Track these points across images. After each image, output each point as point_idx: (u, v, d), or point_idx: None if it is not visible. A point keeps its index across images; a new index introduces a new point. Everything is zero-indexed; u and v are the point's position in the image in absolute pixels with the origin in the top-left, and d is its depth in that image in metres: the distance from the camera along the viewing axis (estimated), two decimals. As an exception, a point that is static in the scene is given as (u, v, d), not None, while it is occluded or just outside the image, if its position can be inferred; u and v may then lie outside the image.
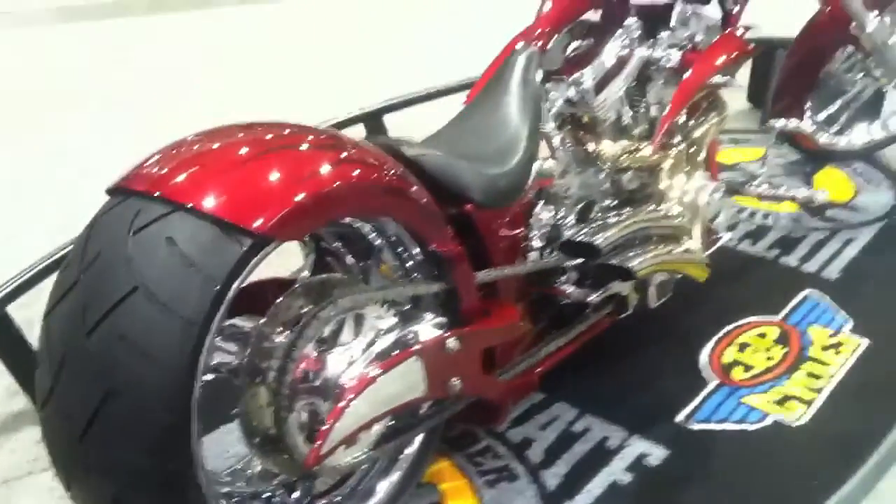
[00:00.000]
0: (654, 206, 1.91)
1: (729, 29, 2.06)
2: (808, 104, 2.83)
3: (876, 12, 2.55)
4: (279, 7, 4.78)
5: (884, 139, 3.00)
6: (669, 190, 1.93)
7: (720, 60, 1.96)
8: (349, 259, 1.50)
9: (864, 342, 2.11)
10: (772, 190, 2.24)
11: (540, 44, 1.83)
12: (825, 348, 2.10)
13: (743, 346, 2.11)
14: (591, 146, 1.89)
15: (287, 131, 1.33)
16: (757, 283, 2.38)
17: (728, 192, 2.17)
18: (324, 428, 1.25)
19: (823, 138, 2.91)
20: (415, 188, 1.40)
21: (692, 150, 2.00)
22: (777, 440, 1.84)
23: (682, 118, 2.01)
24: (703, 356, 2.08)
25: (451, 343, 1.41)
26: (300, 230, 1.26)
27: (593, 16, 1.97)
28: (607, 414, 1.90)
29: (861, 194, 2.83)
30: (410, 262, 1.47)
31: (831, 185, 2.88)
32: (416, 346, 1.35)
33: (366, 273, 1.50)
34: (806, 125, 2.32)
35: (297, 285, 1.34)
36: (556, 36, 1.87)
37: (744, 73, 3.41)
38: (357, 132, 2.73)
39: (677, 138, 1.99)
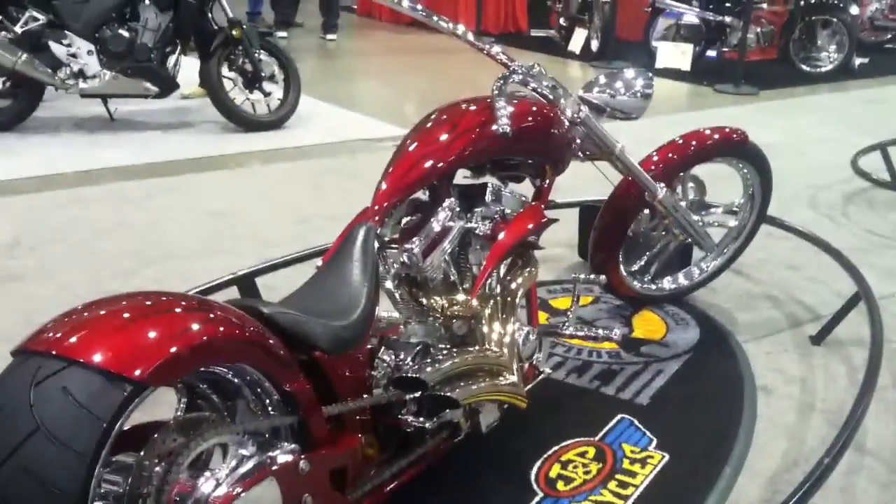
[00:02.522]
0: (478, 347, 2.29)
1: (533, 202, 2.53)
2: (621, 258, 3.33)
3: (662, 184, 3.09)
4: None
5: (688, 286, 3.52)
6: (490, 333, 2.32)
7: (523, 228, 2.41)
8: (217, 399, 1.81)
9: (666, 456, 2.52)
10: (578, 331, 2.66)
11: (377, 218, 2.23)
12: (633, 462, 2.49)
13: (566, 463, 2.48)
14: (424, 300, 2.29)
15: (163, 298, 1.66)
16: (580, 409, 2.78)
17: (544, 333, 2.59)
18: None
19: (637, 286, 3.42)
20: (270, 340, 1.74)
21: (508, 299, 2.42)
22: (592, 540, 2.20)
23: (499, 274, 2.43)
24: (533, 472, 2.44)
25: (302, 465, 1.73)
26: (172, 376, 1.57)
27: (422, 195, 2.41)
28: (446, 526, 2.22)
29: (671, 332, 3.30)
30: (268, 400, 1.80)
31: (646, 325, 3.37)
32: (272, 469, 1.66)
33: (232, 410, 1.81)
34: (601, 279, 2.80)
35: (170, 423, 1.64)
36: (391, 212, 2.28)
37: (574, 232, 3.95)
38: (231, 293, 3.07)
39: (495, 290, 2.40)
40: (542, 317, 3.40)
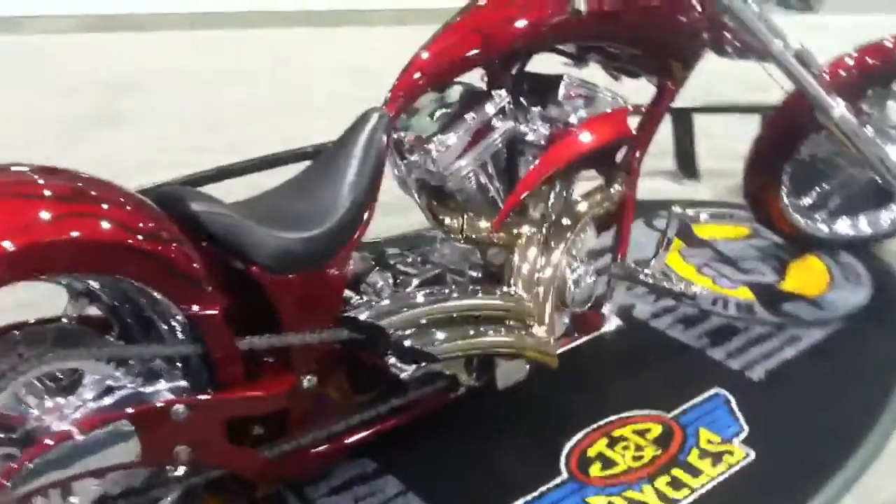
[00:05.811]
0: (495, 286, 1.81)
1: (609, 109, 1.94)
2: (786, 187, 2.65)
3: (841, 100, 2.34)
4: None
5: (871, 234, 2.76)
6: (521, 268, 1.82)
7: (590, 139, 1.85)
8: (120, 311, 1.49)
9: (750, 454, 1.95)
10: (658, 280, 2.07)
11: (401, 101, 1.77)
12: (704, 456, 1.94)
13: (616, 441, 1.98)
14: (446, 217, 1.82)
15: (45, 181, 1.33)
16: (667, 372, 2.23)
17: (617, 276, 2.05)
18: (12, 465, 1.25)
19: (803, 223, 2.73)
20: (169, 247, 1.38)
21: (564, 226, 1.89)
22: (603, 551, 1.72)
23: (557, 194, 1.91)
24: (568, 446, 1.96)
25: (179, 409, 1.38)
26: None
27: (482, 81, 1.92)
28: (433, 495, 1.81)
29: (834, 290, 2.60)
30: (165, 322, 1.45)
31: (804, 275, 2.69)
32: (130, 410, 1.33)
33: (127, 328, 1.49)
34: (700, 216, 2.17)
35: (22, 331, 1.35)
36: (420, 96, 1.81)
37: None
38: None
39: (544, 215, 1.89)
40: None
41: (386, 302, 1.64)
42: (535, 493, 1.83)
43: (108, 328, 1.49)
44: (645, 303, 2.48)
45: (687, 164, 3.34)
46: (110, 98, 3.76)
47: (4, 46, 4.67)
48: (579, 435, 1.99)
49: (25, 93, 3.98)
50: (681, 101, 3.17)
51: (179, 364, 1.47)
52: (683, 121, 3.34)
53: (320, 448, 1.66)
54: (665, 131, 3.30)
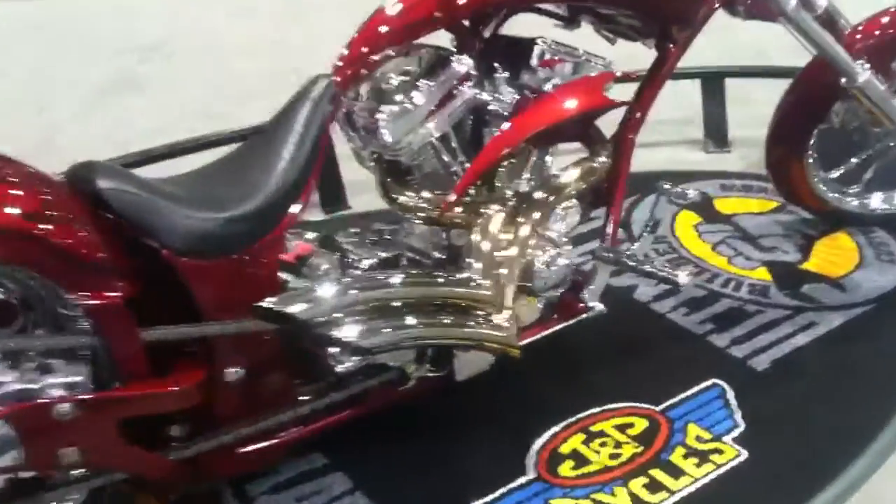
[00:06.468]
0: (446, 271, 1.66)
1: (587, 75, 1.76)
2: (813, 157, 2.42)
3: (867, 65, 2.10)
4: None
5: (904, 209, 2.52)
6: (479, 250, 1.66)
7: (557, 110, 1.67)
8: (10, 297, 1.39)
9: (742, 454, 1.77)
10: (641, 263, 1.88)
11: (353, 68, 1.62)
12: (689, 454, 1.77)
13: (593, 436, 1.82)
14: (400, 195, 1.68)
15: None
16: (660, 361, 2.05)
17: (601, 259, 1.87)
18: None
19: (831, 197, 2.49)
20: (59, 229, 1.27)
21: (529, 203, 1.72)
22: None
23: (528, 168, 1.74)
24: (539, 442, 1.81)
25: (63, 409, 1.27)
26: None
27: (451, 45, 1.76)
28: (382, 495, 1.69)
29: (861, 270, 2.37)
30: (65, 311, 1.34)
31: (831, 254, 2.46)
32: (5, 409, 1.23)
33: (31, 317, 1.38)
34: (690, 193, 1.96)
35: None
36: (379, 61, 1.66)
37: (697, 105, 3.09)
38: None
39: (512, 191, 1.72)
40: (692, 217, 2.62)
41: (319, 288, 1.49)
42: (495, 494, 1.69)
43: (12, 318, 1.39)
44: (647, 284, 2.29)
45: (716, 133, 3.11)
46: (138, 62, 3.72)
47: (44, 7, 4.66)
48: (553, 430, 1.84)
49: (60, 55, 3.97)
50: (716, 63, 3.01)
51: (83, 358, 1.37)
52: (713, 85, 3.11)
53: (249, 447, 1.53)
54: (695, 96, 3.09)
